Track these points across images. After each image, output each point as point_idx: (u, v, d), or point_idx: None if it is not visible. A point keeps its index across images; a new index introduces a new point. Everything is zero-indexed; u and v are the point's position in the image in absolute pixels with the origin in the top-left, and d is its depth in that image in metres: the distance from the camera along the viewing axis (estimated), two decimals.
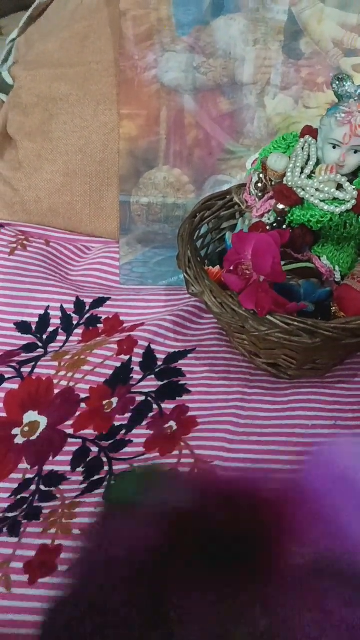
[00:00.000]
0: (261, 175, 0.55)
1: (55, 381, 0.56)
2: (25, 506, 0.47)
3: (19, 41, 0.86)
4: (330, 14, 0.63)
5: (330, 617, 0.16)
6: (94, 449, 0.51)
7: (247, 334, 0.51)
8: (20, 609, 0.41)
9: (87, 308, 0.63)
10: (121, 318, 0.63)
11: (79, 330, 0.62)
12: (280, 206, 0.52)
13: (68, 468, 0.50)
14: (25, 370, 0.57)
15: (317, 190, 0.50)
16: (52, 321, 0.62)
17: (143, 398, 0.55)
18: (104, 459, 0.50)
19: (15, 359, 0.58)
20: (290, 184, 0.51)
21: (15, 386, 0.55)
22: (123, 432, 0.52)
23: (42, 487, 0.49)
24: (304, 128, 0.54)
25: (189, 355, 0.58)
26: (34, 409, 0.54)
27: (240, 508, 0.17)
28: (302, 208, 0.51)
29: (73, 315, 0.63)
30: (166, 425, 0.52)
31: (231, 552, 0.16)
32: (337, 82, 0.49)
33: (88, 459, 0.50)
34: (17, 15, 1.14)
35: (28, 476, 0.49)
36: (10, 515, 0.47)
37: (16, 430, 0.53)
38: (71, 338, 0.61)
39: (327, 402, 0.53)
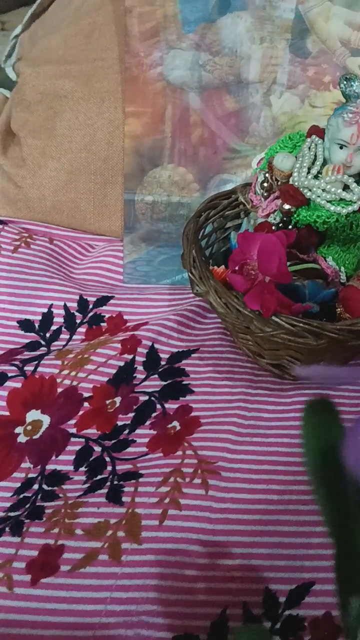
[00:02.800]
0: (267, 175, 0.55)
1: (58, 380, 0.56)
2: (27, 505, 0.47)
3: (22, 37, 0.86)
4: (337, 13, 0.62)
5: None
6: (97, 449, 0.51)
7: (252, 335, 0.51)
8: (22, 609, 0.41)
9: (91, 307, 0.63)
10: (125, 317, 0.62)
11: (82, 329, 0.61)
12: (287, 206, 0.51)
13: (71, 467, 0.50)
14: (28, 368, 0.56)
15: (323, 190, 0.50)
16: (55, 319, 0.62)
17: (146, 398, 0.54)
18: (107, 459, 0.50)
19: (18, 357, 0.58)
20: (296, 184, 0.51)
21: (18, 385, 0.55)
22: (126, 431, 0.52)
23: (45, 487, 0.48)
24: (310, 127, 0.53)
25: (193, 355, 0.58)
26: (36, 408, 0.54)
27: None
28: (308, 208, 0.51)
29: (76, 313, 0.62)
30: (169, 425, 0.52)
31: None
32: (345, 82, 0.49)
33: (91, 459, 0.50)
34: (20, 11, 1.14)
35: (31, 475, 0.49)
36: (12, 514, 0.46)
37: (19, 429, 0.52)
38: (74, 337, 0.61)
39: None
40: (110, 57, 0.70)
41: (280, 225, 0.53)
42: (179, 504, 0.46)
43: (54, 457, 0.50)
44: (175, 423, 0.52)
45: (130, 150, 0.65)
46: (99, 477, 0.49)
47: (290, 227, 0.53)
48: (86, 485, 0.48)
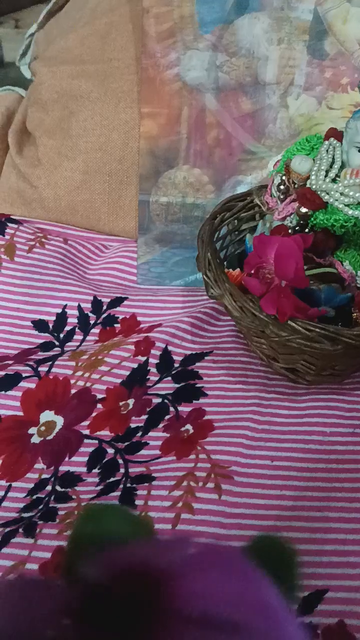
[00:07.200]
0: (284, 177, 0.54)
1: (72, 381, 0.56)
2: (41, 507, 0.47)
3: (37, 36, 0.86)
4: (355, 14, 0.62)
5: None
6: (110, 451, 0.51)
7: (267, 339, 0.50)
8: None
9: (105, 307, 0.63)
10: (138, 318, 0.62)
11: (96, 330, 0.61)
12: (304, 209, 0.51)
13: (84, 469, 0.50)
14: (43, 369, 0.56)
15: (341, 194, 0.49)
16: (69, 320, 0.62)
17: (159, 400, 0.54)
18: (120, 461, 0.50)
19: (33, 357, 0.58)
20: (314, 187, 0.50)
21: (32, 385, 0.55)
22: (139, 434, 0.52)
23: (58, 488, 0.48)
24: (328, 130, 0.53)
25: (206, 358, 0.58)
26: (50, 409, 0.54)
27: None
28: (325, 212, 0.50)
29: (90, 314, 0.62)
30: (182, 429, 0.52)
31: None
32: None
33: (104, 461, 0.50)
34: (33, 8, 1.14)
35: (44, 476, 0.49)
36: (26, 515, 0.47)
37: (32, 430, 0.52)
38: (88, 337, 0.61)
39: (345, 409, 0.53)
40: (127, 57, 0.70)
41: (296, 228, 0.53)
42: (192, 508, 0.46)
43: (67, 458, 0.50)
44: (189, 426, 0.52)
45: (146, 151, 0.65)
46: (112, 479, 0.49)
47: (306, 230, 0.52)
48: (99, 488, 0.48)
